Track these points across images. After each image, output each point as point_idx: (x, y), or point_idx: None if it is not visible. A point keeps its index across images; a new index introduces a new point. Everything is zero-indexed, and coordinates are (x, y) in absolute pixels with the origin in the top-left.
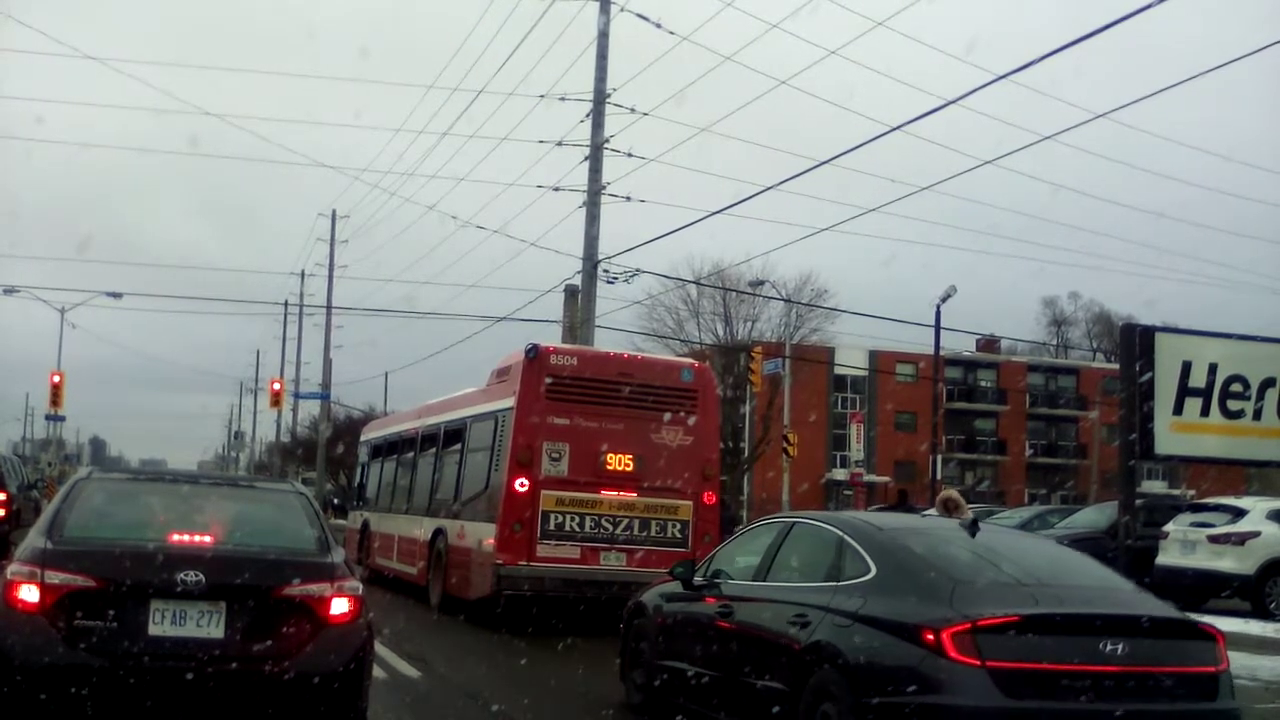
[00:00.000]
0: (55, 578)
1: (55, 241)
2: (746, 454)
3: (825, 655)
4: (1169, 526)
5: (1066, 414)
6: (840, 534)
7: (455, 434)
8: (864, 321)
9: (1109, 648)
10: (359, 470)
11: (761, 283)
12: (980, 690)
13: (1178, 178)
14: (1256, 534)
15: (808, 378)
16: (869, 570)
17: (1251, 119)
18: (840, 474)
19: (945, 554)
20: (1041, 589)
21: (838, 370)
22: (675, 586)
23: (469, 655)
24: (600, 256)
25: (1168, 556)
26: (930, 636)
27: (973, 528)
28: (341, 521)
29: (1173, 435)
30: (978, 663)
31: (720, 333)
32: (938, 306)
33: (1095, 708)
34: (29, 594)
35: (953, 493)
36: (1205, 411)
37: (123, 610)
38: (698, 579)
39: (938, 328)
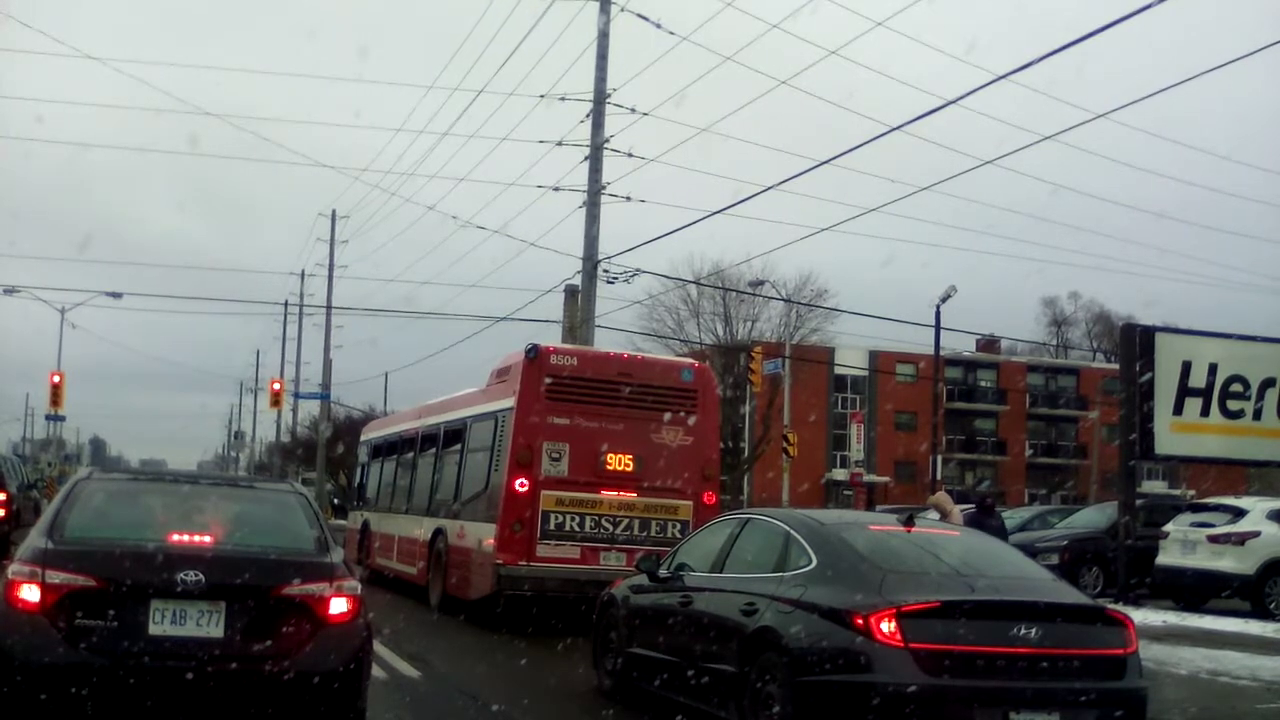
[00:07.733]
0: (56, 577)
1: (55, 241)
2: (746, 454)
3: (769, 639)
4: (1169, 526)
5: (1066, 414)
6: (787, 529)
7: (455, 434)
8: (864, 321)
9: (1023, 632)
10: (359, 470)
11: (761, 283)
12: (904, 669)
13: (1178, 178)
14: (1256, 534)
15: (808, 378)
16: (810, 562)
17: (1252, 118)
18: (840, 474)
19: (880, 547)
20: (965, 579)
21: (838, 370)
22: (642, 579)
23: (469, 655)
24: (600, 256)
25: (1168, 556)
26: (860, 621)
27: (909, 522)
28: (341, 521)
29: (1173, 435)
30: (902, 644)
31: (720, 333)
32: (938, 307)
33: (1009, 685)
34: (30, 594)
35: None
36: (1205, 411)
37: (123, 610)
38: (662, 571)
39: (938, 328)
